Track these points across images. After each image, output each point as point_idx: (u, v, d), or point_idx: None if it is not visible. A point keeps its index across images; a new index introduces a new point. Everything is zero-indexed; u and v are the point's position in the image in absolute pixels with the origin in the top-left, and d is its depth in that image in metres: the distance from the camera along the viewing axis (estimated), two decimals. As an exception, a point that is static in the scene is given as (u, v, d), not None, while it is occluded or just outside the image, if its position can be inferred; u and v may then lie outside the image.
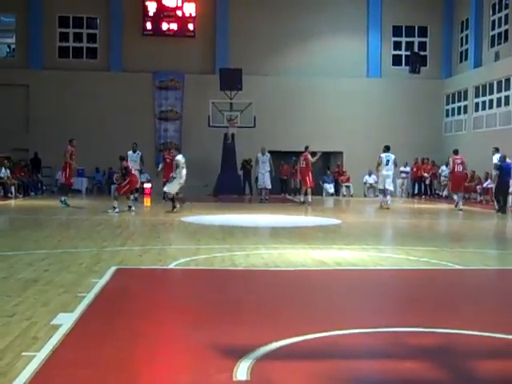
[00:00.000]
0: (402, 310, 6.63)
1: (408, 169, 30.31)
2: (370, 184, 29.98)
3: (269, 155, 24.45)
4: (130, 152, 21.77)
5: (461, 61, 31.40)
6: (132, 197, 18.98)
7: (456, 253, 10.60)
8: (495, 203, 20.71)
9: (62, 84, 30.10)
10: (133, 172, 18.62)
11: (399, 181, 30.75)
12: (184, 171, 18.49)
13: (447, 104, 32.22)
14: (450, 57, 32.21)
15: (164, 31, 31.07)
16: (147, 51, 30.71)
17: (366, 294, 7.45)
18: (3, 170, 25.11)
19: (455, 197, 22.02)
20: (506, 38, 27.36)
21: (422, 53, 31.69)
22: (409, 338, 5.35)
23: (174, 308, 6.55)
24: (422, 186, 29.79)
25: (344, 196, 30.58)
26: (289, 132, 29.81)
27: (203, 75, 30.74)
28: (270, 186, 24.70)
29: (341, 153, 31.92)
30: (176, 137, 31.14)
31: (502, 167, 20.36)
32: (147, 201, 23.56)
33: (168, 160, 23.69)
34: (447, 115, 32.21)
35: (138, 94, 30.52)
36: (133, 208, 18.71)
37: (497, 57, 27.79)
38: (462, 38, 31.35)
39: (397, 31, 32.29)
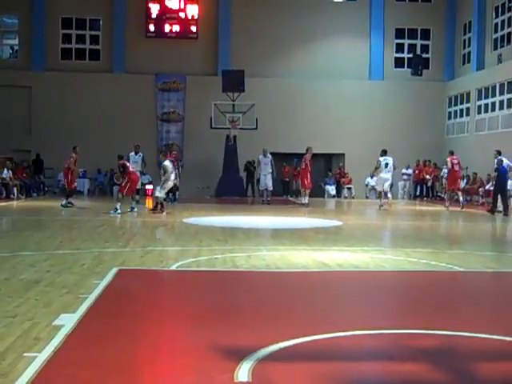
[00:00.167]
0: (403, 311, 6.63)
1: (410, 171, 30.29)
2: (372, 186, 29.95)
3: (270, 157, 24.44)
4: (132, 153, 21.80)
5: (463, 63, 31.40)
6: (135, 198, 19.03)
7: (457, 255, 10.60)
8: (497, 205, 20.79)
9: (64, 85, 30.15)
10: (131, 170, 18.61)
11: (401, 183, 30.77)
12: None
13: (449, 106, 32.22)
14: (452, 59, 32.21)
15: (167, 33, 31.12)
16: (150, 53, 30.76)
17: (367, 296, 7.44)
18: (5, 171, 25.14)
19: (447, 197, 22.61)
20: (509, 41, 27.36)
21: (424, 55, 31.71)
22: (410, 340, 5.35)
23: (176, 309, 6.55)
24: (424, 188, 29.75)
25: (346, 198, 30.58)
26: (291, 134, 29.82)
27: (205, 77, 30.77)
28: (271, 188, 24.69)
29: (342, 155, 31.93)
30: (178, 138, 31.16)
31: (498, 170, 20.55)
32: (149, 202, 23.54)
33: None
34: (449, 117, 32.20)
35: (141, 95, 30.56)
36: (135, 209, 18.74)
37: (499, 59, 27.77)
38: (464, 41, 31.34)
39: (399, 33, 32.31)
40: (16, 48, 31.83)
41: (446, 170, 27.95)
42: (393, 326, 5.75)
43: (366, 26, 31.86)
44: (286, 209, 22.53)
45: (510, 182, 22.90)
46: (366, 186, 30.45)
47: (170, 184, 19.10)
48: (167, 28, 31.07)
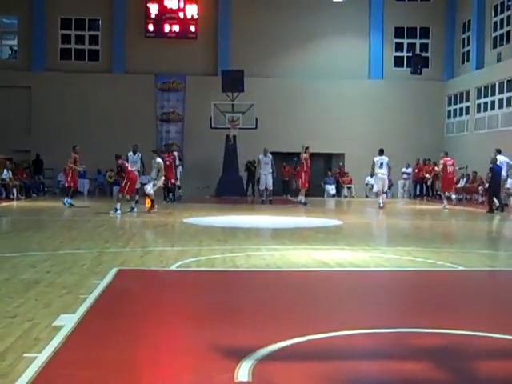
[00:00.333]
0: (403, 310, 6.63)
1: (410, 170, 30.30)
2: (372, 185, 29.94)
3: (271, 156, 24.44)
4: (131, 153, 21.78)
5: (463, 62, 31.39)
6: (135, 198, 19.06)
7: (458, 254, 10.59)
8: (495, 203, 20.86)
9: (63, 86, 30.15)
10: (129, 169, 18.62)
11: (401, 182, 30.79)
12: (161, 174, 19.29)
13: (449, 105, 32.21)
14: (451, 58, 32.20)
15: (166, 33, 31.11)
16: (149, 53, 30.75)
17: (367, 295, 7.45)
18: (5, 171, 25.14)
19: (453, 196, 22.64)
20: (508, 40, 27.35)
21: (423, 54, 31.70)
22: (411, 339, 5.35)
23: (176, 309, 6.55)
24: (424, 187, 29.76)
25: (345, 197, 30.58)
26: (290, 133, 29.80)
27: (205, 77, 30.77)
28: (272, 187, 24.71)
29: (342, 154, 31.93)
30: (178, 138, 31.16)
31: (493, 169, 20.65)
32: (148, 202, 23.51)
33: (168, 162, 23.73)
34: (449, 116, 32.20)
35: (140, 95, 30.55)
36: (135, 209, 18.75)
37: (499, 58, 27.77)
38: (463, 40, 31.33)
39: (399, 33, 32.30)
40: (15, 48, 31.82)
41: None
42: (393, 325, 5.75)
43: (366, 25, 31.86)
44: (285, 208, 22.53)
45: (510, 181, 22.96)
46: (366, 185, 30.42)
47: (161, 182, 19.39)
48: (167, 28, 31.06)
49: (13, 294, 6.65)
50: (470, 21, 30.33)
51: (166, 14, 31.00)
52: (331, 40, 31.69)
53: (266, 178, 24.31)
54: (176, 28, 31.07)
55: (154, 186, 19.17)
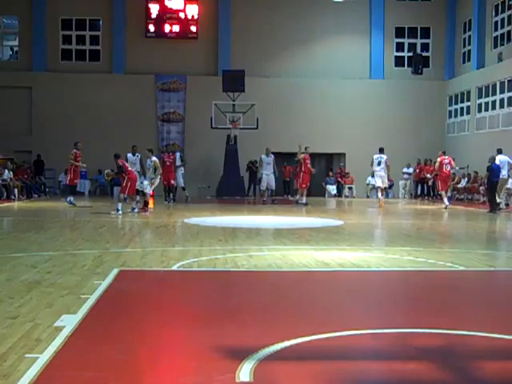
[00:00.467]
0: (405, 311, 6.62)
1: (411, 170, 30.31)
2: (373, 185, 29.94)
3: (273, 156, 24.44)
4: (130, 154, 21.78)
5: (464, 62, 31.38)
6: (136, 198, 19.07)
7: (459, 254, 10.59)
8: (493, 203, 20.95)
9: (64, 86, 30.18)
10: (129, 169, 18.62)
11: (402, 182, 30.80)
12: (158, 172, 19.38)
13: (450, 105, 32.21)
14: (452, 58, 32.19)
15: (167, 33, 31.13)
16: (150, 53, 30.78)
17: (368, 296, 7.44)
18: (6, 172, 25.16)
19: (444, 196, 22.97)
20: (509, 39, 27.34)
21: (424, 54, 31.70)
22: (412, 339, 5.34)
23: (177, 309, 6.55)
24: (425, 187, 29.76)
25: (347, 197, 30.59)
26: (291, 133, 29.79)
27: (206, 77, 30.78)
28: (274, 188, 24.76)
29: (343, 154, 31.94)
30: (179, 138, 31.17)
31: (491, 168, 20.74)
32: (150, 202, 23.53)
33: (168, 163, 23.77)
34: (450, 116, 32.19)
35: (141, 95, 30.58)
36: (136, 210, 18.76)
37: (500, 58, 27.76)
38: (464, 39, 31.33)
39: (399, 32, 32.30)
40: (16, 49, 31.85)
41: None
42: (395, 326, 5.74)
43: (366, 25, 31.86)
44: (287, 208, 22.53)
45: (511, 181, 22.96)
46: (367, 185, 30.45)
47: (158, 180, 19.48)
48: (167, 28, 31.07)
49: (14, 295, 6.65)
50: (470, 20, 30.33)
51: (166, 14, 31.02)
52: (332, 40, 31.70)
53: (268, 178, 24.30)
54: (177, 28, 31.08)
55: (151, 184, 19.19)
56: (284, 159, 29.33)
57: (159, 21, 31.01)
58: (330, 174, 31.35)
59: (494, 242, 13.68)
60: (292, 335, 5.19)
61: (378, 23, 31.78)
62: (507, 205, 22.28)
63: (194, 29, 31.14)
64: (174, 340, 5.33)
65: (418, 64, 29.99)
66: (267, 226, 16.28)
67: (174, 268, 8.76)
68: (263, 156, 24.40)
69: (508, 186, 22.79)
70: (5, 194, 24.90)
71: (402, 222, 18.13)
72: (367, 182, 30.28)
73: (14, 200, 24.43)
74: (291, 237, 13.04)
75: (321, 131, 30.61)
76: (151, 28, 31.04)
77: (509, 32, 27.44)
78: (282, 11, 31.25)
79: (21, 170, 27.34)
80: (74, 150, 21.39)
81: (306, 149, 23.69)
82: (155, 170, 19.17)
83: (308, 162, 23.52)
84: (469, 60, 30.60)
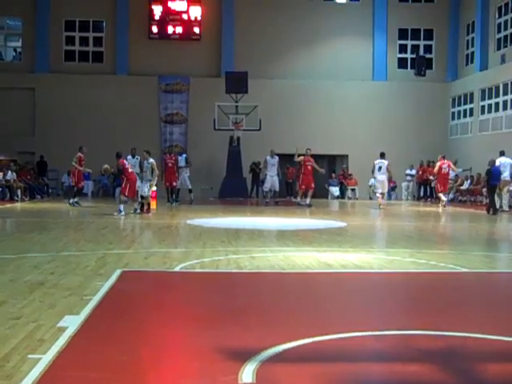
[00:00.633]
0: (407, 312, 6.62)
1: (413, 172, 30.29)
2: (374, 188, 29.94)
3: (277, 158, 24.45)
4: (129, 157, 21.80)
5: (467, 63, 31.36)
6: (138, 199, 19.12)
7: (462, 255, 10.58)
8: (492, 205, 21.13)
9: (68, 87, 30.22)
10: (130, 170, 18.64)
11: (404, 184, 30.78)
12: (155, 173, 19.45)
13: (453, 107, 32.19)
14: (455, 59, 32.18)
15: (170, 34, 31.17)
16: (153, 54, 30.81)
17: (371, 297, 7.44)
18: (9, 173, 25.20)
19: (443, 197, 23.39)
20: (513, 41, 27.34)
21: (427, 56, 31.68)
22: (414, 341, 5.34)
23: (180, 311, 6.55)
24: (428, 189, 29.74)
25: (349, 199, 30.58)
26: (294, 135, 29.79)
27: (209, 78, 30.81)
28: (278, 189, 24.81)
29: (346, 156, 31.93)
30: (181, 140, 31.20)
31: (490, 171, 20.89)
32: (153, 204, 23.56)
33: (170, 164, 23.78)
34: (453, 118, 32.17)
35: (144, 97, 30.61)
36: (138, 211, 18.80)
37: (503, 59, 27.74)
38: (467, 41, 31.31)
39: (402, 34, 32.30)
40: (20, 50, 31.92)
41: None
42: (397, 327, 5.74)
43: (369, 26, 31.86)
44: (289, 210, 22.53)
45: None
46: (370, 187, 30.41)
47: (155, 181, 19.58)
48: (170, 30, 31.12)
49: (17, 296, 6.66)
50: (473, 22, 30.32)
51: (169, 16, 31.07)
52: (335, 41, 31.71)
53: (272, 179, 24.32)
54: (180, 29, 31.12)
55: (150, 186, 19.24)
56: (287, 161, 29.30)
57: (162, 22, 31.05)
58: (333, 175, 31.34)
59: (495, 244, 13.67)
60: (294, 336, 5.19)
61: (381, 25, 31.78)
62: (511, 207, 22.26)
63: (197, 30, 31.18)
64: (177, 341, 5.34)
65: (421, 66, 29.99)
66: (270, 227, 16.29)
67: (177, 269, 8.77)
68: (268, 157, 24.39)
69: (511, 188, 22.77)
70: (8, 194, 24.95)
71: (405, 224, 18.12)
72: (370, 183, 30.24)
73: (17, 201, 24.46)
74: (294, 238, 13.04)
75: (323, 133, 30.61)
76: (154, 29, 31.08)
77: (512, 34, 27.45)
78: (285, 13, 31.27)
79: (24, 171, 27.37)
80: (79, 154, 21.92)
81: (306, 151, 23.68)
82: (152, 171, 19.19)
83: (309, 163, 23.49)
84: (472, 62, 30.58)
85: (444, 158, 23.94)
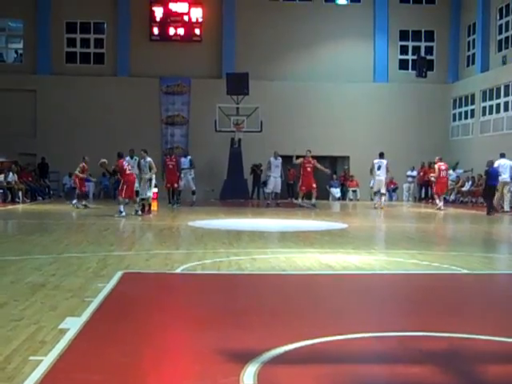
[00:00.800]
0: (408, 314, 6.62)
1: (415, 173, 30.28)
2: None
3: (281, 159, 24.47)
4: (128, 158, 21.80)
5: (468, 65, 31.36)
6: (138, 200, 19.19)
7: (463, 257, 10.57)
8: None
9: (69, 89, 30.24)
10: (127, 172, 18.66)
11: (406, 185, 30.79)
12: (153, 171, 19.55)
13: (454, 108, 32.18)
14: (456, 61, 32.18)
15: (171, 36, 31.19)
16: (154, 56, 30.83)
17: (372, 298, 7.44)
18: (11, 174, 25.22)
19: (438, 201, 23.64)
20: (513, 43, 27.34)
21: (428, 57, 31.66)
22: (416, 343, 5.34)
23: (181, 312, 6.56)
24: (429, 191, 29.71)
25: (351, 200, 30.57)
26: (295, 136, 29.78)
27: (210, 80, 30.82)
28: (280, 191, 24.88)
29: (347, 157, 31.93)
30: (183, 141, 31.20)
31: (489, 172, 21.12)
32: (154, 205, 23.58)
33: (170, 166, 23.79)
34: (454, 119, 32.16)
35: (145, 98, 30.62)
36: (139, 212, 18.82)
37: (504, 61, 27.74)
38: (468, 43, 31.31)
39: (403, 35, 32.29)
40: (21, 52, 31.94)
41: (451, 172, 28.32)
42: (399, 329, 5.74)
43: (370, 28, 31.86)
44: (291, 211, 22.53)
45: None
46: (371, 188, 30.37)
47: (154, 181, 19.71)
48: (171, 31, 31.14)
49: (18, 297, 6.67)
50: (474, 24, 30.32)
51: (170, 18, 31.10)
52: (336, 43, 31.71)
53: (276, 181, 24.36)
54: (181, 31, 31.15)
55: (150, 186, 19.29)
56: (288, 162, 29.28)
57: (163, 24, 31.08)
58: (334, 176, 31.33)
59: (496, 245, 13.67)
60: (296, 338, 5.19)
61: (382, 26, 31.78)
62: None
63: (198, 32, 31.20)
64: (178, 343, 5.34)
65: (422, 67, 29.98)
66: (271, 228, 16.29)
67: (178, 271, 8.77)
68: (272, 158, 24.40)
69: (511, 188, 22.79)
70: (9, 196, 24.96)
71: (406, 225, 18.12)
72: (371, 185, 30.22)
73: (18, 203, 24.48)
74: (295, 240, 13.04)
75: (325, 134, 30.61)
76: (155, 31, 31.11)
77: (513, 35, 27.44)
78: (286, 14, 31.29)
79: (25, 173, 27.39)
80: (83, 164, 22.60)
81: (306, 152, 23.72)
82: (150, 170, 19.26)
83: (308, 165, 23.50)
84: (473, 63, 30.58)
85: (441, 159, 24.10)
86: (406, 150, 30.41)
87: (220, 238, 13.11)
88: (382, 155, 23.51)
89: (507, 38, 27.95)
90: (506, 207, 21.98)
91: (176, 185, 23.90)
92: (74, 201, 22.34)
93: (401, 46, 32.38)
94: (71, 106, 30.25)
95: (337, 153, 31.68)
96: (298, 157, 23.66)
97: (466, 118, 30.94)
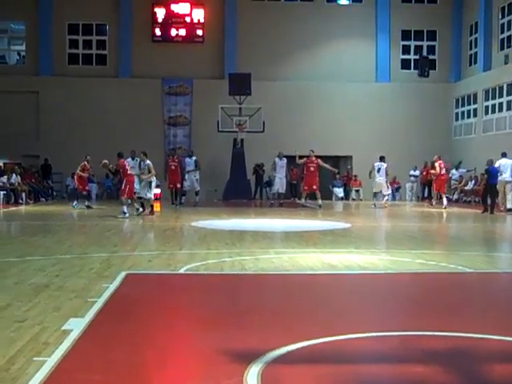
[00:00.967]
0: (411, 313, 6.61)
1: (417, 172, 30.25)
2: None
3: (285, 160, 24.48)
4: (129, 159, 21.84)
5: (470, 64, 31.32)
6: (137, 200, 19.41)
7: (466, 256, 10.56)
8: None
9: (71, 90, 30.26)
10: (129, 172, 18.77)
11: (408, 184, 30.77)
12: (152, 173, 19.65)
13: (456, 107, 32.15)
14: (459, 60, 32.14)
15: (173, 37, 31.20)
16: (156, 57, 30.85)
17: (375, 298, 7.43)
18: (14, 176, 25.27)
19: (433, 201, 24.61)
20: (516, 41, 27.30)
21: (430, 56, 31.62)
22: (419, 342, 5.33)
23: (184, 313, 6.56)
24: (432, 190, 29.65)
25: (354, 200, 30.55)
26: (297, 136, 29.78)
27: (212, 80, 30.82)
28: (284, 191, 24.97)
29: (350, 157, 31.92)
30: (185, 142, 31.21)
31: (489, 171, 21.40)
32: (157, 206, 23.58)
33: (173, 167, 23.79)
34: (457, 119, 32.13)
35: (147, 99, 30.63)
36: (140, 209, 18.99)
37: (506, 60, 27.70)
38: (471, 42, 31.27)
39: (405, 35, 32.26)
40: (23, 54, 31.98)
41: (454, 171, 28.44)
42: (402, 328, 5.73)
43: (372, 28, 31.84)
44: (294, 211, 22.52)
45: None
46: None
47: (154, 184, 19.82)
48: (173, 32, 31.15)
49: (22, 298, 6.68)
50: (477, 23, 30.28)
51: (172, 19, 31.11)
52: (338, 43, 31.69)
53: (281, 181, 24.43)
54: (183, 32, 31.16)
55: (150, 188, 19.38)
56: (291, 162, 29.28)
57: (165, 25, 31.09)
58: (337, 176, 31.30)
59: (499, 244, 13.65)
60: (299, 338, 5.19)
61: (384, 26, 31.76)
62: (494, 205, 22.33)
63: (200, 33, 31.21)
64: (181, 343, 5.34)
65: (425, 67, 29.94)
66: (274, 228, 16.29)
67: (181, 271, 8.77)
68: (276, 159, 24.44)
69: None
70: (13, 198, 25.00)
71: (409, 225, 18.10)
72: (373, 184, 30.19)
73: (21, 204, 24.52)
74: (298, 240, 13.04)
75: (327, 134, 30.60)
76: (157, 32, 31.12)
77: (515, 34, 27.40)
78: (288, 15, 31.28)
79: (28, 174, 27.43)
80: (84, 163, 22.85)
81: (310, 152, 23.74)
82: (149, 172, 19.33)
83: (311, 165, 23.52)
84: (475, 62, 30.54)
85: (440, 158, 24.56)
86: (409, 150, 30.38)
87: (223, 238, 13.12)
88: (382, 158, 24.02)
89: (509, 36, 27.91)
90: (510, 205, 21.96)
91: (179, 185, 23.91)
92: (75, 202, 22.58)
93: (403, 46, 32.35)
94: (73, 107, 30.28)
95: (339, 153, 31.65)
96: (301, 157, 23.67)
97: (468, 117, 30.90)
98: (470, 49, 31.33)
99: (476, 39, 30.46)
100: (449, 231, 17.02)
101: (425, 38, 32.45)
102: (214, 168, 29.90)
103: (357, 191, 31.00)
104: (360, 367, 4.69)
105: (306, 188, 23.84)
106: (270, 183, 28.99)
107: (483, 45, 29.31)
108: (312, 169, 23.54)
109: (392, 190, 28.93)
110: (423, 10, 32.08)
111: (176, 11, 31.19)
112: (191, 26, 31.17)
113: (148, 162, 19.54)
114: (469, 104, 30.85)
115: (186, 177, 23.93)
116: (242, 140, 28.56)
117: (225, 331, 5.56)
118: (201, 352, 4.96)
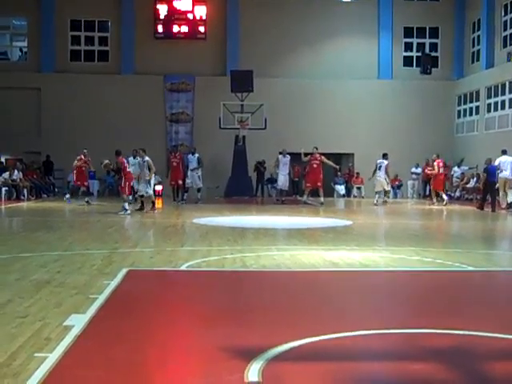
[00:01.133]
0: (413, 311, 6.61)
1: (419, 170, 30.22)
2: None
3: (289, 157, 24.47)
4: (131, 158, 21.84)
5: (473, 61, 31.27)
6: (136, 196, 19.54)
7: (468, 254, 10.56)
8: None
9: (73, 87, 30.24)
10: (128, 170, 18.85)
11: (410, 182, 30.76)
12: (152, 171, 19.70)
13: (459, 105, 32.10)
14: (461, 57, 32.09)
15: (175, 34, 31.18)
16: (158, 54, 30.82)
17: (377, 296, 7.43)
18: (16, 172, 25.29)
19: (434, 199, 24.44)
20: (518, 39, 27.25)
21: (433, 54, 31.58)
22: (421, 340, 5.33)
23: (185, 309, 6.56)
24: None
25: (355, 197, 30.54)
26: (299, 134, 29.76)
27: (214, 77, 30.80)
28: (287, 188, 25.00)
29: (352, 154, 31.89)
30: (187, 139, 31.20)
31: (487, 169, 21.66)
32: (158, 202, 23.59)
33: (174, 163, 23.77)
34: (459, 116, 32.09)
35: (150, 96, 30.61)
36: (139, 205, 19.09)
37: (509, 57, 27.64)
38: (473, 39, 31.22)
39: (408, 32, 32.21)
40: (25, 50, 31.96)
41: (456, 169, 28.47)
42: (403, 326, 5.74)
43: (375, 25, 31.79)
44: (295, 208, 22.52)
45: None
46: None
47: (153, 181, 19.89)
48: (176, 29, 31.12)
49: (24, 294, 6.69)
50: (479, 20, 30.22)
51: (175, 15, 31.08)
52: (340, 40, 31.65)
53: (285, 178, 24.45)
54: (185, 29, 31.13)
55: (149, 185, 19.46)
56: (293, 159, 29.25)
57: (168, 21, 31.07)
58: (339, 174, 31.27)
59: (500, 242, 13.64)
60: (300, 335, 5.19)
61: (387, 23, 31.71)
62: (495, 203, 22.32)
63: (202, 29, 31.18)
64: (183, 340, 5.34)
65: (427, 64, 29.91)
66: (276, 226, 16.28)
67: (183, 268, 8.78)
68: (280, 156, 24.47)
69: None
70: (14, 194, 25.03)
71: (410, 222, 18.10)
72: (374, 182, 30.18)
73: (23, 200, 24.54)
74: (300, 237, 13.04)
75: (329, 131, 30.57)
76: (160, 29, 31.10)
77: (518, 32, 27.36)
78: (290, 12, 31.24)
79: (30, 171, 27.45)
80: (80, 156, 23.07)
81: (313, 149, 23.73)
82: (149, 169, 19.36)
83: (314, 162, 23.50)
84: (478, 60, 30.49)
85: (438, 156, 24.71)
86: (411, 147, 30.36)
87: (225, 235, 13.12)
88: (384, 156, 24.00)
89: (512, 34, 27.88)
90: (510, 199, 21.98)
91: (180, 182, 23.89)
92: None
93: (405, 43, 32.29)
94: (75, 103, 30.27)
95: (341, 150, 31.62)
96: (306, 154, 23.64)
97: (470, 114, 30.86)
98: (473, 46, 31.28)
99: (478, 36, 30.41)
100: (450, 229, 17.01)
101: (427, 36, 32.39)
102: (215, 165, 29.90)
103: (358, 188, 30.98)
104: (362, 364, 4.70)
105: (310, 185, 23.82)
106: (271, 180, 28.99)
107: (486, 42, 29.25)
108: (315, 166, 23.53)
109: (393, 188, 28.92)
110: (425, 7, 32.03)
111: (178, 8, 31.16)
112: (193, 23, 31.15)
113: (147, 158, 19.56)
114: (471, 101, 30.80)
115: (189, 174, 23.90)
116: (243, 137, 28.55)
117: (226, 328, 5.56)
118: (202, 348, 4.96)
